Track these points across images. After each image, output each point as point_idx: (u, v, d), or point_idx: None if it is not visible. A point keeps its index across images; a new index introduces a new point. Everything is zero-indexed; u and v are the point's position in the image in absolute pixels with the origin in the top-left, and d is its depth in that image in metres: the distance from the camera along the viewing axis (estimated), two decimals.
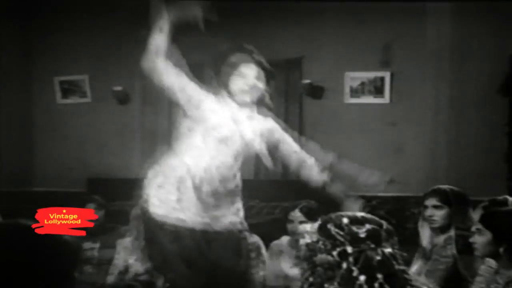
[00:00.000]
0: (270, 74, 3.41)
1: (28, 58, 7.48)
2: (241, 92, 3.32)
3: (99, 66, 7.25)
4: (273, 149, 3.45)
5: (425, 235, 4.02)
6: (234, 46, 3.42)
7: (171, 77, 3.22)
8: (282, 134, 3.50)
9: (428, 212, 4.00)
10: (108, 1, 6.95)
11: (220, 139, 3.26)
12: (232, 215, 3.35)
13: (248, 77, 3.31)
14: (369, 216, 1.98)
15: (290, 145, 3.50)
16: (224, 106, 3.33)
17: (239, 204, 3.40)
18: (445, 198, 3.99)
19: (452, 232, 3.90)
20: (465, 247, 3.73)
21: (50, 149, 7.42)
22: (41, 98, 7.49)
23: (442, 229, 3.96)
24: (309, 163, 3.47)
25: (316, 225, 1.98)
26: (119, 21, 7.07)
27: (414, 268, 3.97)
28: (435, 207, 3.99)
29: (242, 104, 3.34)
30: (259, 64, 3.37)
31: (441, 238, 3.94)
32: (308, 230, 1.97)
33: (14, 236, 1.75)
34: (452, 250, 3.82)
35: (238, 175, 3.39)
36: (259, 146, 3.38)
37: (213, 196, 3.27)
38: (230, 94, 3.33)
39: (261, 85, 3.35)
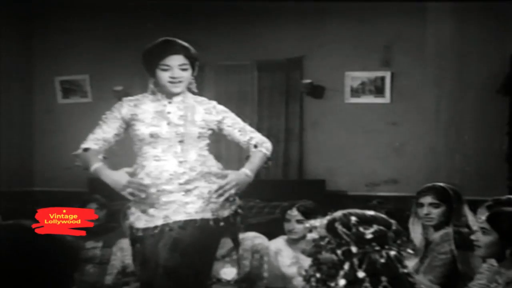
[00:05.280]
0: (195, 59, 3.45)
1: (29, 58, 7.49)
2: (168, 84, 3.39)
3: (99, 66, 7.25)
4: (219, 126, 3.50)
5: (417, 233, 3.99)
6: (157, 42, 3.44)
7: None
8: (226, 113, 3.54)
9: (425, 210, 3.94)
10: (109, 2, 6.95)
11: (150, 137, 3.41)
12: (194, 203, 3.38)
13: (173, 68, 3.38)
14: (379, 215, 1.95)
15: (233, 121, 3.54)
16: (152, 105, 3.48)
17: (204, 189, 3.39)
18: (442, 196, 3.96)
19: (449, 229, 3.88)
20: (462, 244, 3.74)
21: (51, 148, 7.42)
22: (42, 98, 7.50)
23: (436, 226, 3.95)
24: (255, 137, 3.50)
25: (324, 220, 1.94)
26: (120, 22, 7.09)
27: (410, 265, 3.95)
28: (432, 204, 3.94)
29: (172, 96, 3.44)
30: (183, 51, 3.41)
31: (436, 235, 3.91)
32: (317, 225, 1.94)
33: (15, 237, 1.75)
34: (451, 246, 3.80)
35: (194, 162, 3.40)
36: (199, 129, 3.43)
37: (163, 193, 3.36)
38: (160, 88, 3.44)
39: (187, 74, 3.41)
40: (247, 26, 6.95)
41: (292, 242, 4.51)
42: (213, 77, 7.08)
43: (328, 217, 1.94)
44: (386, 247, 1.86)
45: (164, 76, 3.38)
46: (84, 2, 7.08)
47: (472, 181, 6.01)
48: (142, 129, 3.41)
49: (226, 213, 3.41)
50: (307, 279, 1.88)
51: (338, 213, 1.94)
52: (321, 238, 1.89)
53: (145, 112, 3.45)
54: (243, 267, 4.41)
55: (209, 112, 3.47)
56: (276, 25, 6.91)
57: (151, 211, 3.36)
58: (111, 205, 5.27)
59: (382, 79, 6.76)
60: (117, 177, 3.38)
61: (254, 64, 7.07)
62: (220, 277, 4.34)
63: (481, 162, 6.36)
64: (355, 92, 6.81)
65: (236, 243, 3.81)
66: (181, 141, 3.39)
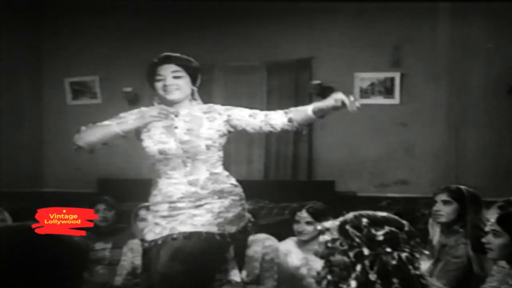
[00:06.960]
0: (194, 70, 3.48)
1: (38, 59, 7.51)
2: (162, 93, 3.44)
3: (109, 67, 7.27)
4: (230, 124, 3.47)
5: (435, 234, 3.99)
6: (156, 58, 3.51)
7: None
8: (230, 110, 3.51)
9: (436, 206, 3.97)
10: (118, 3, 6.96)
11: (159, 152, 3.42)
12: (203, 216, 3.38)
13: (166, 77, 3.42)
14: (391, 217, 1.94)
15: (240, 114, 3.49)
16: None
17: (215, 204, 3.39)
18: (456, 195, 3.95)
19: (465, 232, 3.87)
20: (479, 247, 3.71)
21: (61, 149, 7.43)
22: (52, 99, 7.52)
23: (449, 227, 3.93)
24: (269, 114, 3.47)
25: (336, 222, 1.93)
26: (129, 23, 7.10)
27: (424, 268, 3.92)
28: (444, 202, 3.95)
29: (171, 104, 3.45)
30: (174, 60, 3.45)
31: (451, 238, 3.90)
32: (330, 227, 1.92)
33: (22, 239, 1.75)
34: (466, 249, 3.79)
35: (205, 175, 3.41)
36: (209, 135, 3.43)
37: (174, 207, 3.37)
38: (164, 101, 3.47)
39: (182, 81, 3.43)
40: (256, 27, 6.95)
41: (301, 244, 4.51)
42: (222, 78, 7.09)
43: (340, 219, 1.93)
44: (399, 248, 1.85)
45: (159, 86, 3.43)
46: (93, 3, 7.09)
47: (483, 181, 5.99)
48: (151, 146, 3.43)
49: (233, 229, 3.40)
50: (319, 281, 1.87)
51: (350, 215, 1.92)
52: (334, 240, 1.88)
53: (155, 126, 3.45)
54: (253, 269, 4.41)
55: (212, 119, 3.45)
56: (285, 26, 6.91)
57: (163, 223, 3.37)
58: (119, 206, 5.29)
59: (392, 80, 6.75)
60: (140, 113, 3.46)
61: (263, 65, 7.07)
62: (229, 279, 4.34)
63: (492, 163, 6.34)
64: (364, 93, 6.80)
65: (241, 260, 3.77)
66: (189, 158, 3.39)
